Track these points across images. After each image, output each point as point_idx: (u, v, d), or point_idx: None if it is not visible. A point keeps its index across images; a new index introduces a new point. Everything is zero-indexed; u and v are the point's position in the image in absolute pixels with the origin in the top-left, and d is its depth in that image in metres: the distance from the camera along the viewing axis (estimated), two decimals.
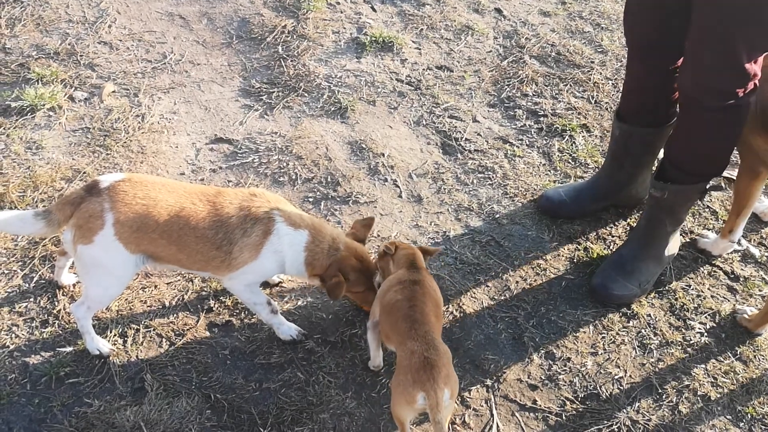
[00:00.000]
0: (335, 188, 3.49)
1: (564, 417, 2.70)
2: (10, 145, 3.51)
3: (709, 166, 2.96)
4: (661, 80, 2.97)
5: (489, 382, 2.77)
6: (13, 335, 2.75)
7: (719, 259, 3.33)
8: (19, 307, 2.84)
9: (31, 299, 2.87)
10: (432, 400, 2.22)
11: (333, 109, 3.96)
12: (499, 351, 2.88)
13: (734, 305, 3.13)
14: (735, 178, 3.22)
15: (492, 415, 2.68)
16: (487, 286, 3.13)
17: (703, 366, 2.90)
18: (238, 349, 2.79)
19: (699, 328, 3.04)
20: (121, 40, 4.26)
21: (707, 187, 2.99)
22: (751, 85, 2.69)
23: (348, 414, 2.63)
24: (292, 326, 2.82)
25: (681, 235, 3.35)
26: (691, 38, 2.67)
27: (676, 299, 3.14)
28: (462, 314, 3.00)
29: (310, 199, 3.43)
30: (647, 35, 2.95)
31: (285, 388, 2.68)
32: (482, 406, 2.70)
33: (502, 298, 3.09)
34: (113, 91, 3.92)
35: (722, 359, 2.93)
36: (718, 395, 2.81)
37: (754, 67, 2.65)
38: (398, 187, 3.55)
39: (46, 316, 2.82)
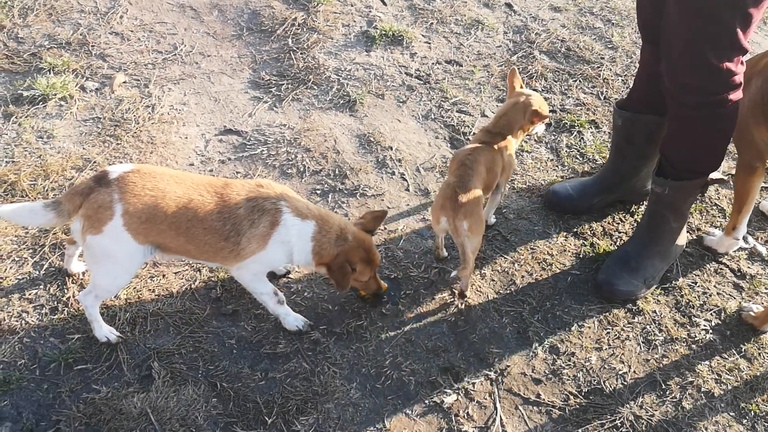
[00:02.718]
0: (343, 181, 3.51)
1: (567, 411, 2.71)
2: (21, 133, 3.54)
3: (701, 163, 2.97)
4: None
5: (493, 375, 2.79)
6: (23, 321, 2.78)
7: (726, 256, 3.33)
8: (29, 294, 2.87)
9: (41, 286, 2.91)
10: (451, 225, 2.80)
11: (342, 102, 3.97)
12: (504, 345, 2.90)
13: (740, 303, 3.13)
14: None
15: (495, 408, 2.69)
16: (493, 281, 3.14)
17: (708, 363, 2.91)
18: (244, 339, 2.82)
19: (704, 325, 3.04)
20: (132, 31, 4.28)
21: (708, 180, 2.98)
22: (731, 83, 2.68)
23: (352, 404, 2.65)
24: (298, 317, 2.85)
25: (688, 232, 3.35)
26: (663, 33, 2.68)
27: (681, 296, 3.15)
28: (467, 307, 3.01)
29: (318, 192, 3.45)
30: (655, 19, 2.95)
31: (290, 378, 2.70)
32: (486, 398, 2.72)
33: (508, 292, 3.10)
34: (124, 82, 3.94)
35: (727, 356, 2.94)
36: (722, 392, 2.81)
37: (729, 65, 2.63)
38: (406, 180, 3.56)
39: (55, 303, 2.85)
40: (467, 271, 2.85)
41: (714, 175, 3.61)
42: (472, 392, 2.73)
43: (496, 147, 3.05)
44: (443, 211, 2.82)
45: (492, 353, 2.86)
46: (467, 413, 2.67)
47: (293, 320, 2.83)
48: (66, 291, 2.89)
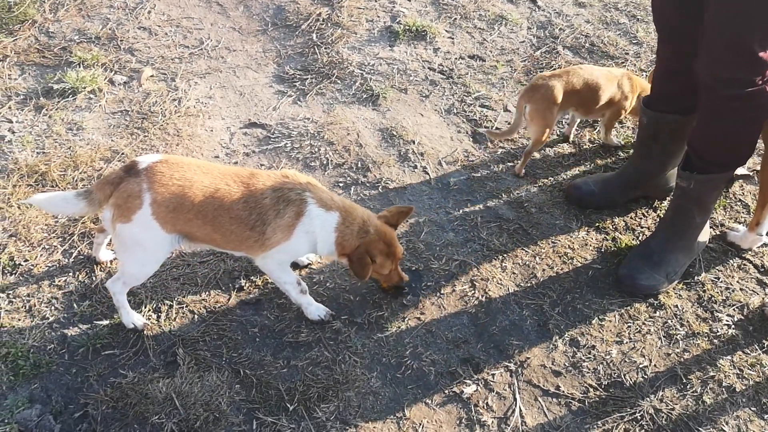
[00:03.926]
0: (365, 174, 3.54)
1: (587, 403, 2.72)
2: (52, 125, 3.62)
3: (730, 155, 2.95)
4: (687, 64, 2.94)
5: (513, 367, 2.80)
6: (53, 308, 2.85)
7: (749, 252, 3.31)
8: (59, 281, 2.95)
9: (70, 274, 2.98)
10: (520, 103, 3.44)
11: (365, 96, 4.00)
12: (524, 337, 2.91)
13: (763, 298, 3.11)
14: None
15: (515, 399, 2.71)
16: (514, 273, 3.15)
17: (729, 357, 2.90)
18: (267, 327, 2.86)
19: (726, 320, 3.03)
20: (159, 26, 4.35)
21: (733, 175, 2.96)
22: None
23: (373, 393, 2.68)
24: (321, 306, 2.88)
25: (711, 227, 3.34)
26: (705, 26, 2.66)
27: (704, 291, 3.14)
28: (488, 300, 3.03)
29: (341, 184, 3.48)
30: (670, 17, 2.93)
31: (312, 366, 2.74)
32: (505, 390, 2.73)
33: (528, 285, 3.11)
34: (151, 76, 4.01)
35: (749, 351, 2.92)
36: (744, 387, 2.80)
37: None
38: (427, 174, 3.58)
39: (84, 290, 2.92)
40: (501, 135, 3.65)
41: (739, 171, 3.59)
42: (491, 383, 2.75)
43: (619, 80, 3.53)
44: (523, 93, 3.45)
45: (512, 345, 2.87)
46: (486, 404, 2.69)
47: (315, 310, 2.87)
48: (94, 278, 2.96)
